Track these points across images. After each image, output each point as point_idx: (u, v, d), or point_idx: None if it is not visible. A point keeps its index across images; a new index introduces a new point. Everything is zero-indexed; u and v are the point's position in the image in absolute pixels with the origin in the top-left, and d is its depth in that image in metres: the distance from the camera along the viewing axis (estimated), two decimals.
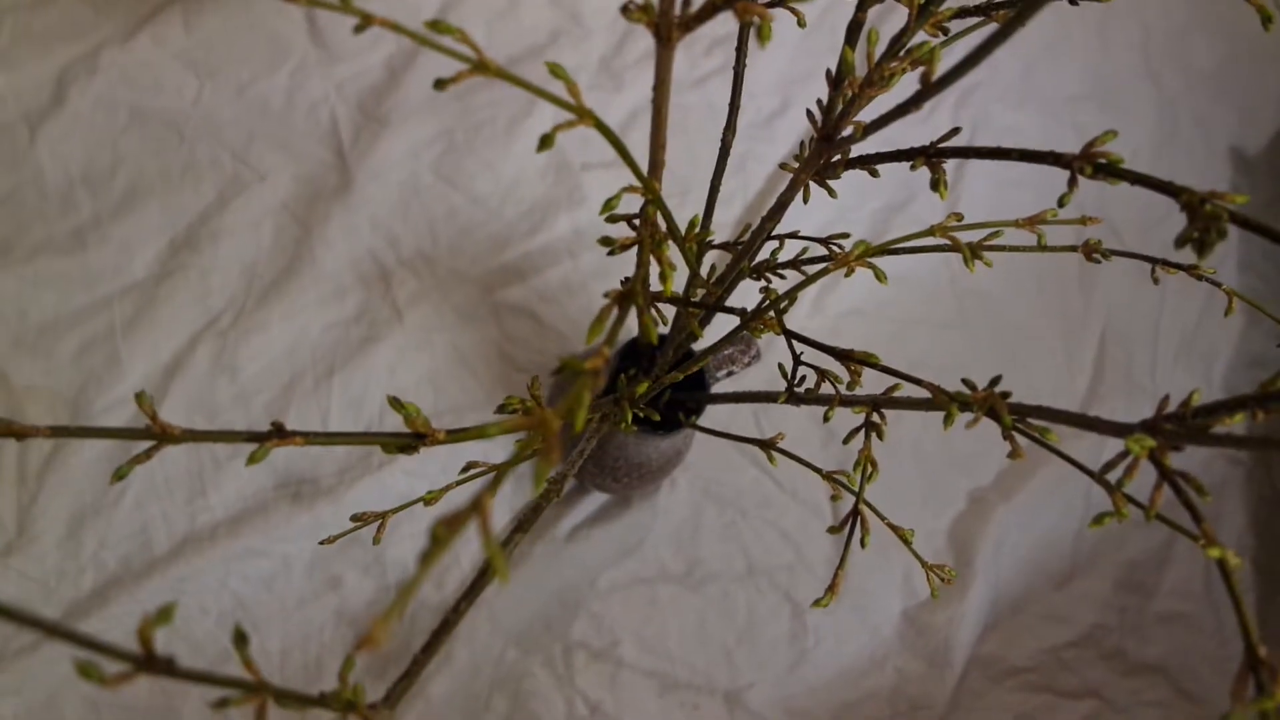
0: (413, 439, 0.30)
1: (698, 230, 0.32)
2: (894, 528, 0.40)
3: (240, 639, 0.22)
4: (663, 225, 0.32)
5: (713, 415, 0.64)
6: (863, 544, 0.32)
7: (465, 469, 0.41)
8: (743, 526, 0.63)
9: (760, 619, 0.61)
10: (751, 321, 0.33)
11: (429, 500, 0.40)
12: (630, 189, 0.29)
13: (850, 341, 0.32)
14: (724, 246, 0.40)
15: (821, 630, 0.61)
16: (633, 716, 0.58)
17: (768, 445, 0.42)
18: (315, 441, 0.29)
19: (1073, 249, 0.39)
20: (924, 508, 0.66)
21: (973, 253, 0.39)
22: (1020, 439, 0.30)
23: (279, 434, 0.28)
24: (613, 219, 0.31)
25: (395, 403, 0.29)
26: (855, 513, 0.32)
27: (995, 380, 0.29)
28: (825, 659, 0.61)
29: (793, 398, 0.38)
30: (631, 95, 0.70)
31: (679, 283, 0.50)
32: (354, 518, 0.38)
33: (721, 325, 0.66)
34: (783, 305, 0.34)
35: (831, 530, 0.33)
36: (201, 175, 0.63)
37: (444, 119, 0.67)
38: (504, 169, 0.66)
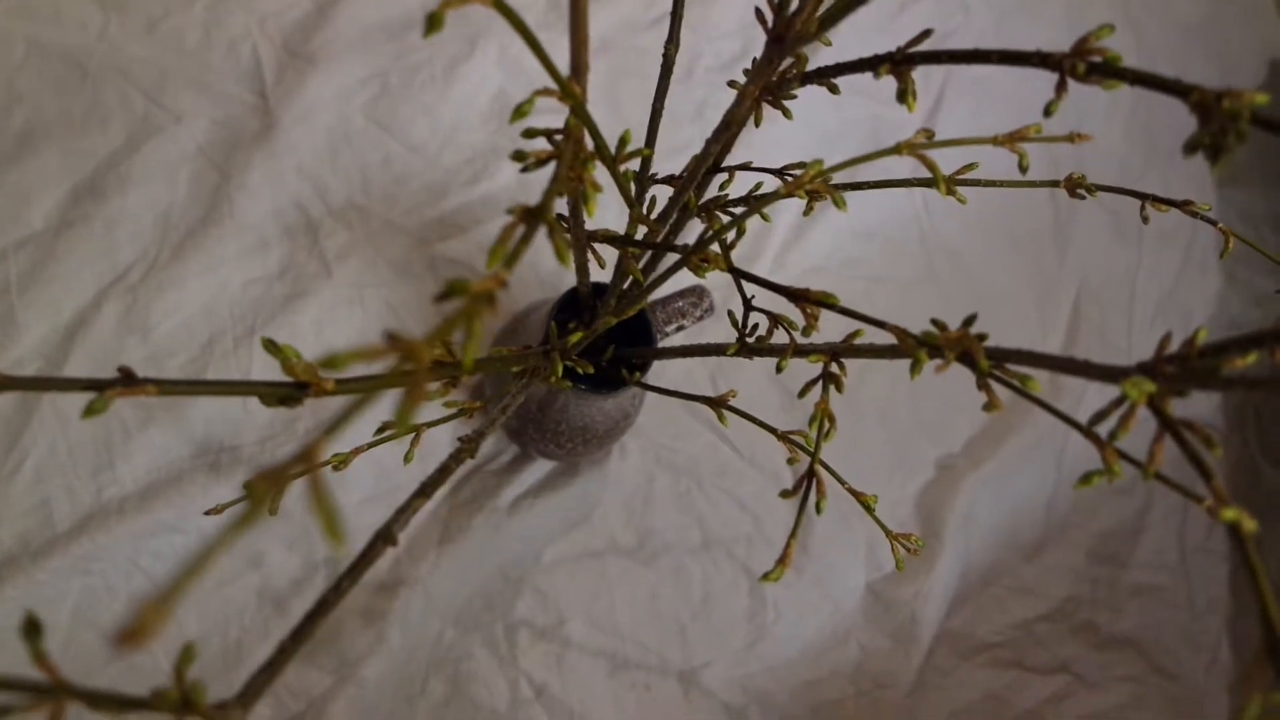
0: (294, 390, 0.26)
1: (629, 148, 0.28)
2: (855, 493, 0.36)
3: (32, 629, 0.17)
4: (590, 144, 0.27)
5: (666, 377, 0.60)
6: (818, 509, 0.28)
7: (380, 429, 0.37)
8: (698, 496, 0.59)
9: (716, 594, 0.57)
10: (693, 255, 0.28)
11: (337, 465, 0.36)
12: (544, 92, 0.25)
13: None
14: (668, 181, 0.35)
15: (781, 605, 0.58)
16: (581, 698, 0.54)
17: (718, 403, 0.38)
18: (171, 391, 0.24)
19: (1055, 183, 0.35)
20: (890, 476, 0.62)
21: (947, 187, 0.35)
22: (998, 390, 0.26)
23: (125, 381, 0.23)
24: (530, 134, 0.27)
25: (270, 345, 0.25)
26: (810, 474, 0.28)
27: (969, 320, 0.26)
28: (785, 635, 0.58)
29: (744, 349, 0.34)
30: None
31: (618, 221, 0.45)
32: (246, 486, 0.34)
33: (675, 280, 0.61)
34: (729, 238, 0.30)
35: (784, 495, 0.29)
36: (108, 117, 0.57)
37: (378, 59, 0.61)
38: (442, 114, 0.61)
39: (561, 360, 0.34)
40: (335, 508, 0.14)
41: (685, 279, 0.61)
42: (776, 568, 0.28)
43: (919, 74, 0.70)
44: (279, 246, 0.57)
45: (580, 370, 0.39)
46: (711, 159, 0.31)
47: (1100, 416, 0.23)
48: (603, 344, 0.44)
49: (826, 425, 0.30)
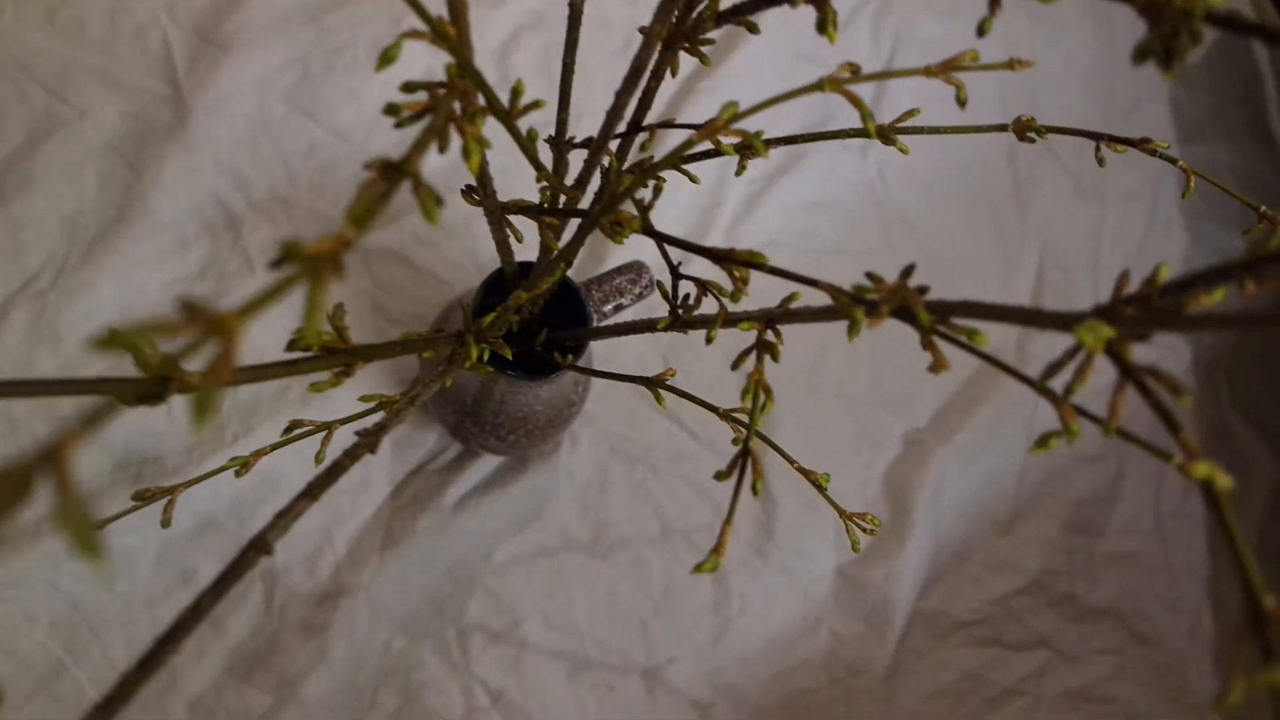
0: (154, 386, 0.23)
1: (523, 100, 0.25)
2: (805, 472, 0.34)
3: None
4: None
5: (617, 361, 0.58)
6: (754, 490, 0.26)
7: (288, 429, 0.34)
8: (655, 485, 0.56)
9: (678, 587, 0.55)
10: (602, 217, 0.26)
11: (239, 471, 0.33)
12: (413, 34, 0.22)
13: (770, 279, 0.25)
14: (586, 144, 0.32)
15: (747, 595, 0.55)
16: (540, 703, 0.52)
17: (654, 383, 0.36)
18: (10, 393, 0.21)
19: (1002, 127, 0.33)
20: (855, 455, 0.60)
21: (883, 135, 0.32)
22: (954, 354, 0.24)
23: None
24: (409, 87, 0.24)
25: (115, 335, 0.22)
26: (745, 453, 0.26)
27: (907, 271, 0.23)
28: (752, 626, 0.55)
29: (676, 322, 0.32)
30: (514, 10, 0.62)
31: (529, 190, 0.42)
32: (135, 496, 0.31)
33: (617, 256, 0.59)
34: (642, 196, 0.27)
35: (719, 476, 0.26)
36: (6, 113, 0.53)
37: (297, 43, 0.58)
38: (368, 98, 0.58)
39: (477, 344, 0.31)
40: (85, 520, 0.11)
41: (618, 254, 0.59)
42: (710, 558, 0.25)
43: (868, 36, 0.68)
44: (199, 245, 0.54)
45: (503, 355, 0.37)
46: (623, 113, 0.28)
47: (1054, 368, 0.21)
48: (536, 328, 0.41)
49: (763, 398, 0.27)
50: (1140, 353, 0.21)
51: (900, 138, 0.36)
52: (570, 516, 0.55)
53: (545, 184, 0.31)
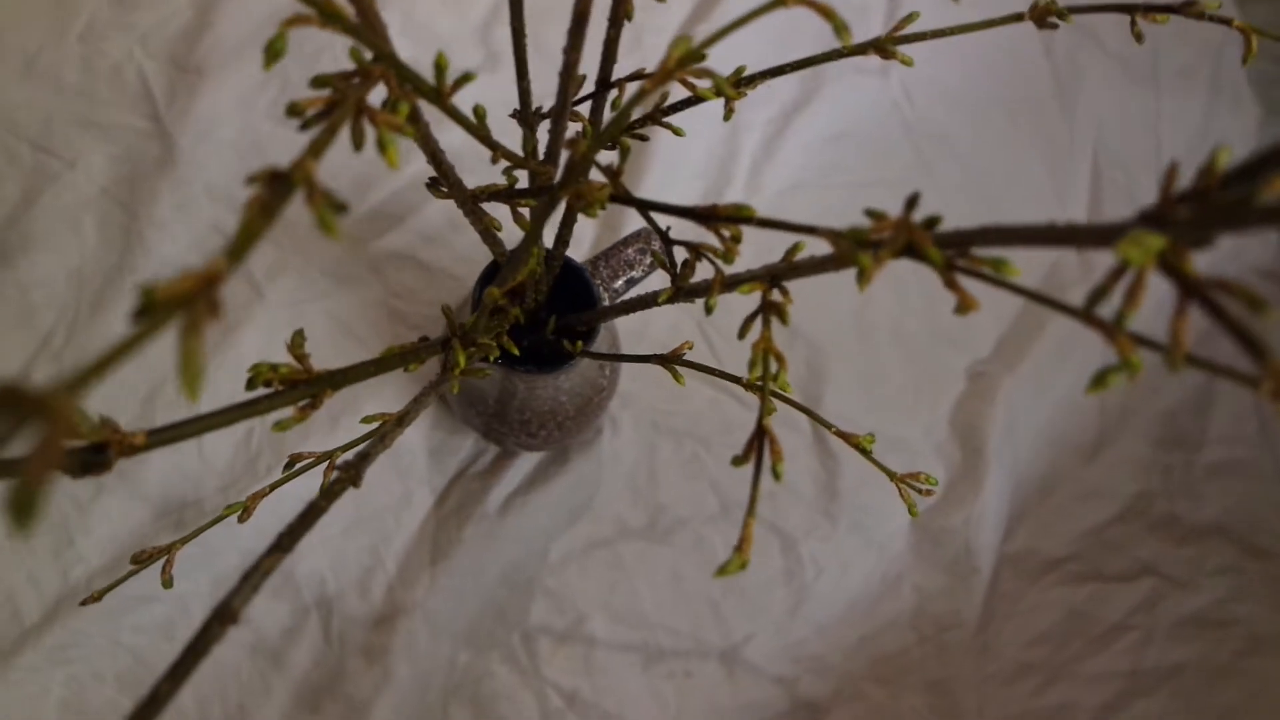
0: (93, 454, 0.21)
1: (448, 71, 0.22)
2: (844, 435, 0.31)
3: None
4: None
5: (650, 336, 0.55)
6: (775, 474, 0.22)
7: (289, 464, 0.32)
8: (706, 458, 0.53)
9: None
10: (563, 190, 0.23)
11: (242, 517, 0.31)
12: (297, 20, 0.19)
13: (800, 220, 0.22)
14: (551, 114, 0.29)
15: (820, 560, 0.52)
16: (616, 699, 0.50)
17: (669, 360, 0.33)
18: None
19: (1018, 17, 0.28)
20: (917, 398, 0.56)
21: (881, 49, 0.29)
22: (970, 283, 0.20)
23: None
24: (318, 81, 0.21)
25: (38, 405, 0.20)
26: (760, 433, 0.23)
27: (911, 201, 0.20)
28: (830, 593, 0.52)
29: (679, 293, 0.29)
30: None
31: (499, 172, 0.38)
32: (134, 559, 0.29)
33: (632, 224, 0.55)
34: (614, 161, 0.24)
35: (735, 462, 0.23)
36: None
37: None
38: None
39: (465, 349, 0.29)
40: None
41: (634, 222, 0.55)
42: (734, 557, 0.22)
43: None
44: None
45: (510, 351, 0.34)
46: (575, 71, 0.25)
47: (1100, 294, 0.17)
48: (545, 316, 0.39)
49: (775, 367, 0.24)
50: (1205, 261, 0.17)
51: (904, 49, 0.32)
52: (622, 503, 0.52)
53: (509, 164, 0.28)
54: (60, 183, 0.53)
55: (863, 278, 0.20)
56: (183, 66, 0.55)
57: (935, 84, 0.62)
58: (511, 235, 0.34)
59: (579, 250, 0.55)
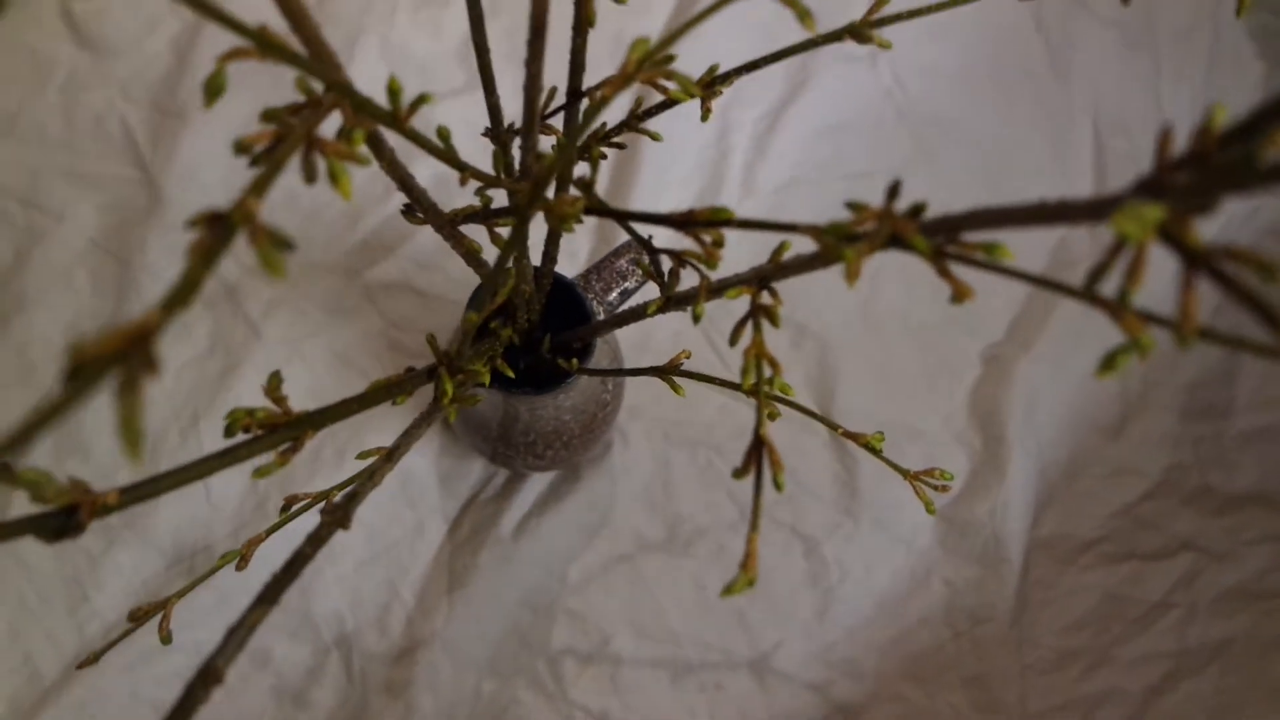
0: (64, 518, 0.20)
1: (405, 95, 0.21)
2: (852, 436, 0.30)
3: None
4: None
5: (653, 343, 0.54)
6: (777, 485, 0.21)
7: (285, 506, 0.31)
8: (721, 465, 0.52)
9: (770, 567, 0.51)
10: (532, 208, 0.22)
11: (240, 564, 0.30)
12: (235, 55, 0.19)
13: (800, 217, 0.21)
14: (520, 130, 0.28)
15: (844, 561, 0.51)
16: (647, 717, 0.49)
17: (666, 372, 0.32)
18: None
19: None
20: (932, 386, 0.55)
21: (857, 36, 0.28)
22: (961, 270, 0.19)
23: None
24: (267, 116, 0.20)
25: (3, 472, 0.19)
26: (759, 444, 0.22)
27: (893, 190, 0.18)
28: (857, 593, 0.51)
29: (668, 303, 0.28)
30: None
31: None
32: (131, 616, 0.29)
33: (618, 235, 0.54)
34: (584, 172, 0.23)
35: (736, 474, 0.22)
36: None
37: (254, 91, 0.55)
38: None
39: (452, 377, 0.28)
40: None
41: (614, 235, 0.55)
42: (741, 574, 0.21)
43: None
44: (201, 322, 0.52)
45: (505, 372, 0.33)
46: (539, 83, 0.24)
47: (1099, 273, 0.16)
48: (539, 334, 0.38)
49: (769, 372, 0.23)
50: (1215, 227, 0.16)
51: (887, 33, 0.31)
52: (639, 517, 0.51)
53: (480, 184, 0.27)
54: (50, 238, 0.52)
55: (849, 273, 0.19)
56: (164, 111, 0.55)
57: (927, 67, 0.60)
58: (494, 257, 0.34)
59: (575, 265, 0.55)
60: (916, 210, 0.19)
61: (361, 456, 0.31)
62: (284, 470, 0.50)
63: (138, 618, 0.28)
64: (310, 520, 0.48)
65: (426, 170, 0.51)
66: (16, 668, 0.47)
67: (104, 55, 0.56)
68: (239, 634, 0.20)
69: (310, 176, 0.19)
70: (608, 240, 0.55)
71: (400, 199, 0.55)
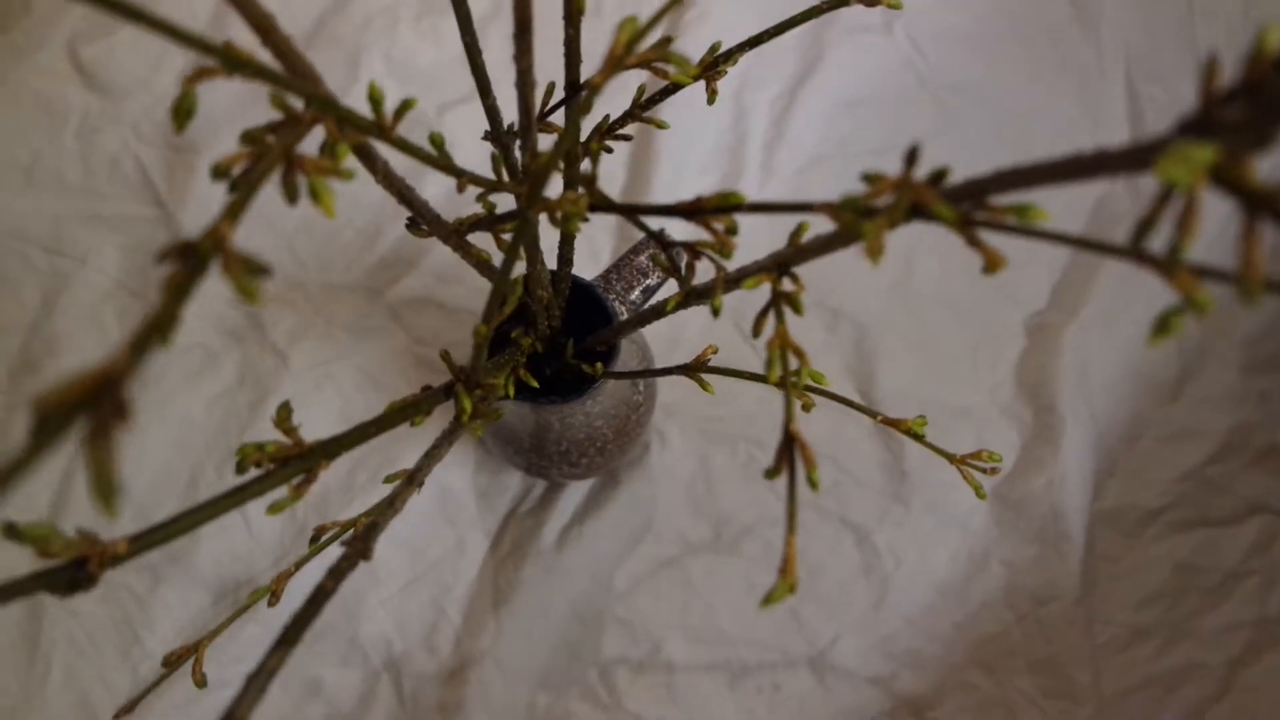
0: (74, 571, 0.19)
1: (384, 102, 0.20)
2: (892, 423, 0.28)
3: None
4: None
5: (685, 341, 0.52)
6: (811, 483, 0.20)
7: (314, 537, 0.31)
8: (763, 459, 0.51)
9: (820, 560, 0.49)
10: (532, 209, 0.21)
11: (271, 599, 0.30)
12: (202, 75, 0.18)
13: (824, 197, 0.19)
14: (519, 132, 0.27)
15: (897, 548, 0.49)
16: None
17: (693, 369, 0.30)
18: None
19: None
20: (975, 362, 0.53)
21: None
22: (993, 238, 0.18)
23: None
24: (248, 137, 0.19)
25: (9, 532, 0.18)
26: (789, 440, 0.20)
27: (911, 156, 0.17)
28: (913, 581, 0.49)
29: (687, 298, 0.27)
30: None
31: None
32: (164, 662, 0.28)
33: (639, 233, 0.53)
34: (578, 160, 0.22)
35: (769, 474, 0.21)
36: (17, 284, 0.53)
37: (261, 117, 0.55)
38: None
39: (469, 392, 0.27)
40: None
41: (636, 233, 0.53)
42: (780, 580, 0.20)
43: None
44: (228, 355, 0.52)
45: (529, 382, 0.32)
46: (530, 79, 0.23)
47: (1146, 227, 0.15)
48: (562, 340, 0.37)
49: (794, 362, 0.22)
50: (1270, 164, 0.14)
51: None
52: (683, 519, 0.50)
53: (481, 190, 0.26)
54: (76, 281, 0.53)
55: (870, 251, 0.18)
56: (177, 148, 0.55)
57: (945, 31, 0.58)
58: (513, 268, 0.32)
59: (599, 267, 0.54)
60: (938, 176, 0.17)
61: (389, 480, 0.30)
62: (321, 497, 0.49)
63: (170, 663, 0.28)
64: (378, 551, 0.48)
65: (436, 187, 0.51)
66: (72, 709, 0.47)
67: (114, 97, 0.56)
68: (259, 680, 0.19)
69: (292, 196, 0.18)
70: (629, 240, 0.54)
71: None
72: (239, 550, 0.49)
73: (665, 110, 0.55)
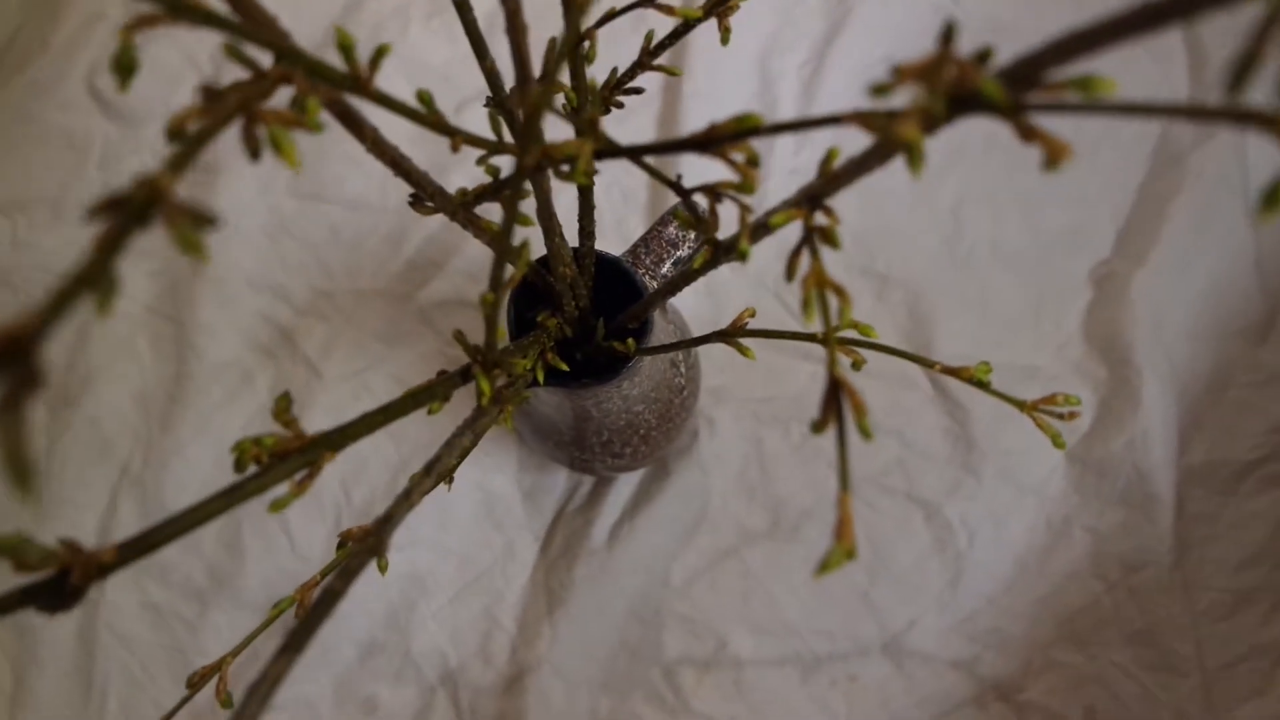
0: (58, 583, 0.18)
1: (355, 49, 0.18)
2: (952, 371, 0.26)
3: None
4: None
5: (728, 312, 0.50)
6: (863, 432, 0.18)
7: (341, 543, 0.29)
8: (819, 439, 0.48)
9: (888, 540, 0.46)
10: (530, 163, 0.18)
11: (298, 610, 0.28)
12: (144, 22, 0.16)
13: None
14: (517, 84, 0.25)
15: (971, 522, 0.46)
16: (780, 718, 0.45)
17: (730, 335, 0.28)
18: None
19: None
20: (1038, 318, 0.50)
21: None
22: (1068, 128, 0.15)
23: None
24: (210, 95, 0.18)
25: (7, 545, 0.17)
26: (835, 388, 0.18)
27: (948, 33, 0.15)
28: (991, 555, 0.46)
29: (716, 252, 0.24)
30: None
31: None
32: (188, 683, 0.27)
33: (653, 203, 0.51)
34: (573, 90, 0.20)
35: (815, 428, 0.18)
36: None
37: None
38: (368, 156, 0.54)
39: (487, 375, 0.25)
40: None
41: (649, 203, 0.51)
42: (836, 546, 0.18)
43: None
44: (262, 371, 0.51)
45: (559, 366, 0.30)
46: (517, 19, 0.21)
47: (1248, 64, 0.12)
48: (593, 320, 0.35)
49: (835, 302, 0.19)
50: None
51: None
52: (738, 506, 0.48)
53: (484, 152, 0.24)
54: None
55: (914, 162, 0.16)
56: (198, 167, 0.54)
57: None
58: (520, 236, 0.31)
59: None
60: (982, 56, 0.15)
61: (414, 479, 0.28)
62: (369, 503, 0.48)
63: (193, 684, 0.26)
64: (425, 562, 0.46)
65: (459, 178, 0.49)
66: None
67: (134, 124, 0.55)
68: (261, 690, 0.17)
69: (254, 152, 0.17)
70: (658, 208, 0.52)
71: (440, 215, 0.53)
72: (285, 568, 0.48)
73: (689, 82, 0.53)
